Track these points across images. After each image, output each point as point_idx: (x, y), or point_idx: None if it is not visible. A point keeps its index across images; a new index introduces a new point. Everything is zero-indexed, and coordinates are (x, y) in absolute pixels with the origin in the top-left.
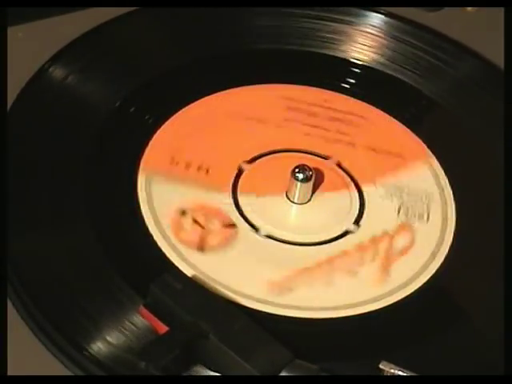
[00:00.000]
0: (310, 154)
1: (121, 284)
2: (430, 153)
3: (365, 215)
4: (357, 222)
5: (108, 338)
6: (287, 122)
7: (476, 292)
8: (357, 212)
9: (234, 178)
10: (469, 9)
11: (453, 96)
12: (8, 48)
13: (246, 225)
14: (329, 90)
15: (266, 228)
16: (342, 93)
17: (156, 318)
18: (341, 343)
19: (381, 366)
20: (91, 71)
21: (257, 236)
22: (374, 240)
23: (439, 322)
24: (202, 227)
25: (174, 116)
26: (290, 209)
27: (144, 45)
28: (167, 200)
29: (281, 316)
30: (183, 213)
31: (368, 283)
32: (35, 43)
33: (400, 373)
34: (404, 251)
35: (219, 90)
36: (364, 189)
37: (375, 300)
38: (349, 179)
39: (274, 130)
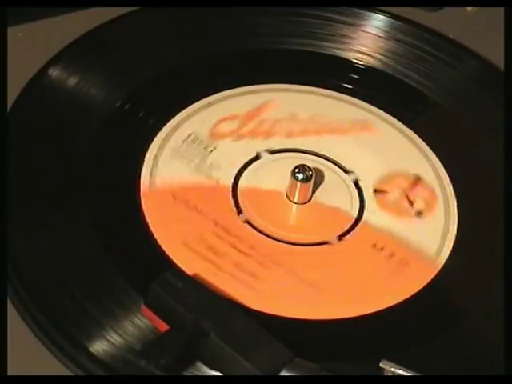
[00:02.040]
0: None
1: (121, 283)
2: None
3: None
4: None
5: (108, 338)
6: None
7: (476, 292)
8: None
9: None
10: (469, 9)
11: (453, 96)
12: (8, 48)
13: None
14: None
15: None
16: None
17: (157, 317)
18: (341, 343)
19: (381, 365)
20: (91, 71)
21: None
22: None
23: (439, 322)
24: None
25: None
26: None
27: (144, 45)
28: None
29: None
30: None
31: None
32: (35, 43)
33: (400, 372)
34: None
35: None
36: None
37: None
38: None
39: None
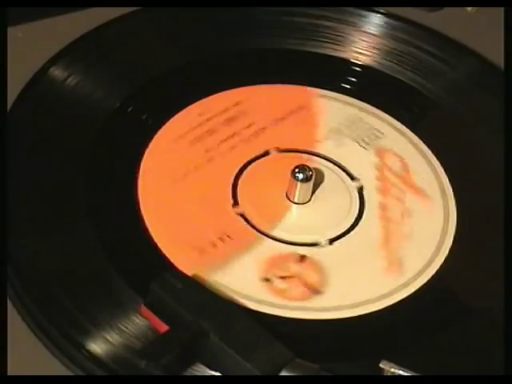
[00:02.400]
0: (254, 160)
1: (121, 283)
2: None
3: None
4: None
5: (108, 338)
6: (207, 153)
7: (476, 292)
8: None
9: (245, 222)
10: (469, 9)
11: (453, 96)
12: (8, 48)
13: (305, 247)
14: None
15: (322, 237)
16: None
17: (156, 317)
18: (341, 343)
19: (381, 365)
20: (91, 71)
21: (323, 249)
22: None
23: (439, 322)
24: (292, 276)
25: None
26: (301, 211)
27: (144, 45)
28: (241, 280)
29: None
30: (266, 279)
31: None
32: (35, 43)
33: (400, 372)
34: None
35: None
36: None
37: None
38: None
39: (208, 168)
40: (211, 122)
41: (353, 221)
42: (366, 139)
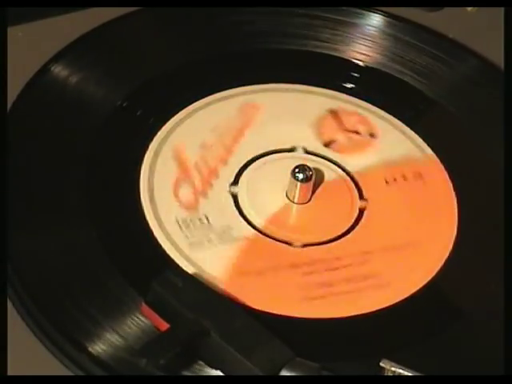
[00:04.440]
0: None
1: (121, 283)
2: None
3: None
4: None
5: (108, 338)
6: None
7: (476, 292)
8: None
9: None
10: (469, 9)
11: (453, 96)
12: (8, 48)
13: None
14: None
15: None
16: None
17: (157, 316)
18: (341, 343)
19: (381, 364)
20: (91, 71)
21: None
22: None
23: (439, 322)
24: None
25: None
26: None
27: (144, 45)
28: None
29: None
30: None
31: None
32: (35, 43)
33: (400, 371)
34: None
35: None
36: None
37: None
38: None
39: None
40: None
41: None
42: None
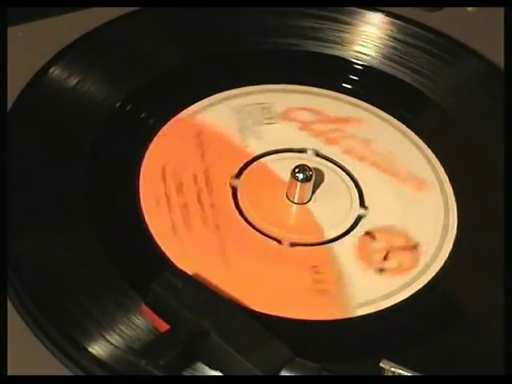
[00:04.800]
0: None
1: (121, 283)
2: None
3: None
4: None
5: (108, 338)
6: None
7: (476, 292)
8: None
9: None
10: (469, 9)
11: (453, 96)
12: (8, 48)
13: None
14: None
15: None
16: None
17: (157, 317)
18: (341, 343)
19: (381, 365)
20: (91, 71)
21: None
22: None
23: (439, 322)
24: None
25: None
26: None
27: (144, 45)
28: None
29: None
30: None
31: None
32: (35, 43)
33: (400, 371)
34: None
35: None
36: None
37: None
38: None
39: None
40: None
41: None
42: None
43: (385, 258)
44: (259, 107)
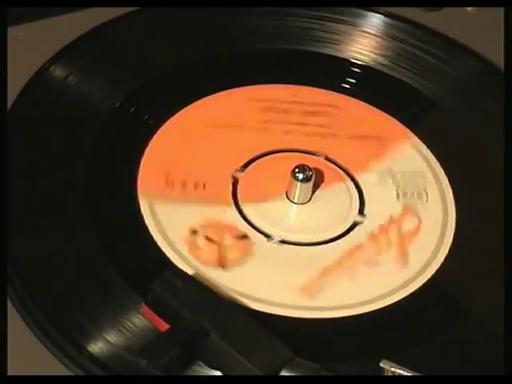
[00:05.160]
0: (297, 151)
1: (121, 283)
2: (411, 132)
3: (366, 204)
4: (361, 211)
5: (108, 338)
6: (265, 123)
7: (476, 292)
8: (358, 203)
9: (231, 189)
10: (469, 9)
11: (453, 96)
12: (8, 48)
13: (258, 233)
14: (295, 85)
15: (278, 234)
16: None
17: (157, 317)
18: (341, 343)
19: (381, 365)
20: (91, 71)
21: (271, 243)
22: (383, 228)
23: (439, 322)
24: (217, 244)
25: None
26: (293, 210)
27: (144, 45)
28: (175, 222)
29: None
30: (194, 232)
31: (388, 273)
32: (35, 43)
33: (400, 371)
34: (414, 232)
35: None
36: (358, 178)
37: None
38: (341, 171)
39: (254, 133)
40: (294, 106)
41: (324, 240)
42: (407, 193)
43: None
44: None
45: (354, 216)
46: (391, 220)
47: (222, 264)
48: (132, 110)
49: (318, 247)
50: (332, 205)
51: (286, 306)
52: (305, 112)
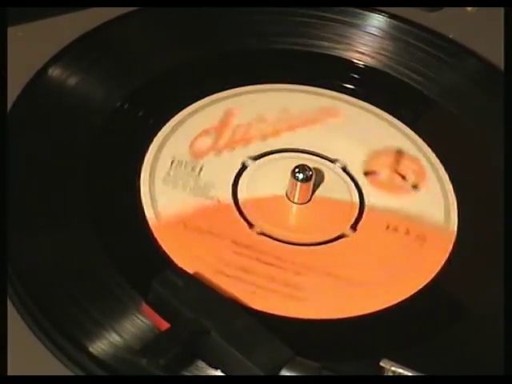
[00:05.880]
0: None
1: (121, 283)
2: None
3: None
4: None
5: (108, 338)
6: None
7: (476, 292)
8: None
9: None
10: (469, 9)
11: (453, 96)
12: (8, 48)
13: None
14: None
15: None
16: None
17: (157, 316)
18: (341, 343)
19: (381, 364)
20: (91, 71)
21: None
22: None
23: (439, 322)
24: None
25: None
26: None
27: (144, 45)
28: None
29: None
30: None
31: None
32: (35, 43)
33: (400, 371)
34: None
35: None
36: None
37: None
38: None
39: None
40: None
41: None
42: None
43: (402, 177)
44: (176, 168)
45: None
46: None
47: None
48: (132, 110)
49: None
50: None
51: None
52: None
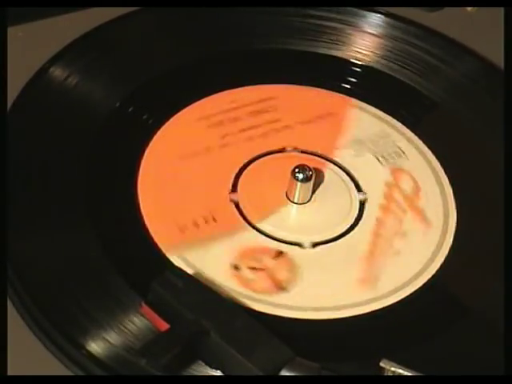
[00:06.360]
0: (268, 154)
1: (121, 283)
2: (350, 98)
3: (359, 181)
4: (359, 190)
5: (108, 338)
6: (225, 138)
7: (476, 292)
8: (352, 184)
9: (237, 212)
10: (469, 9)
11: (453, 96)
12: (8, 48)
13: (288, 245)
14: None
15: (307, 239)
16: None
17: (157, 316)
18: (341, 343)
19: (381, 365)
20: (91, 71)
21: (304, 250)
22: (388, 196)
23: (439, 322)
24: (263, 270)
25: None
26: (295, 210)
27: (144, 45)
28: (210, 263)
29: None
30: (236, 267)
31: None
32: (35, 43)
33: (400, 371)
34: (416, 190)
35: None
36: (337, 159)
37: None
38: (320, 159)
39: (222, 151)
40: (239, 111)
41: (345, 229)
42: (386, 156)
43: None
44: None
45: (357, 196)
46: (389, 185)
47: (281, 286)
48: (132, 110)
49: (345, 237)
50: (332, 198)
51: (354, 304)
52: (251, 113)
